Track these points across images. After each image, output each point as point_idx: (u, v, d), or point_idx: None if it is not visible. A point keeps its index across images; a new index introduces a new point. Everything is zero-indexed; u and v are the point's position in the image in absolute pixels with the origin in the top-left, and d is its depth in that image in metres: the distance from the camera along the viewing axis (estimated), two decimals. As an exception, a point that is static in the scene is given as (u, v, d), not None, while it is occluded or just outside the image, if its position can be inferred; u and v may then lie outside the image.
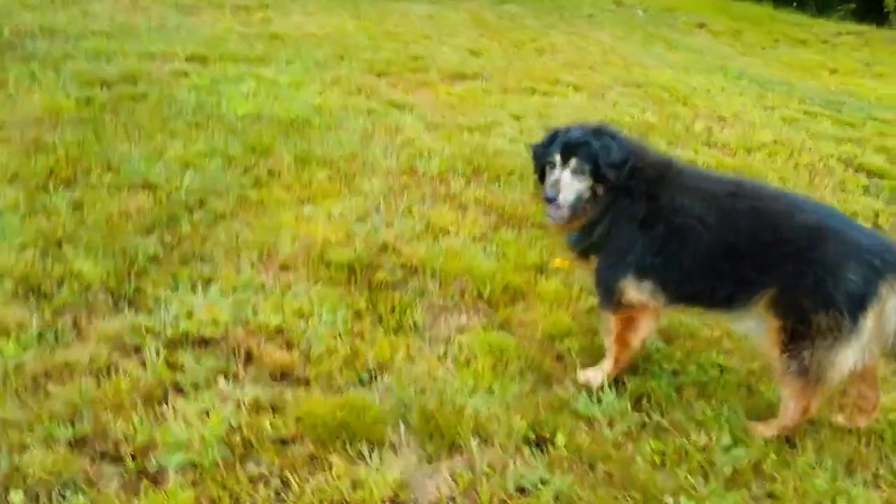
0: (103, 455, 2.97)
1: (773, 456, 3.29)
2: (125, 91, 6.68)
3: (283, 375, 3.52)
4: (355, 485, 2.94)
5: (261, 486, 2.90)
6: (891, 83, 13.86)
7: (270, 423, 3.17)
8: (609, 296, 3.57)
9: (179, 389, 3.30)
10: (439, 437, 3.22)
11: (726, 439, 3.34)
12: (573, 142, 3.48)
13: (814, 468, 3.28)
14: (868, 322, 3.15)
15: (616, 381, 3.68)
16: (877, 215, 6.37)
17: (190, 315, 3.75)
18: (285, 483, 2.92)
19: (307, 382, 3.49)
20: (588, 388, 3.62)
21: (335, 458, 3.04)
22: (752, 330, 3.49)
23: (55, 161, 5.10)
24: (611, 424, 3.42)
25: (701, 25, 17.29)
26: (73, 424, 3.04)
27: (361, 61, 8.92)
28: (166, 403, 3.21)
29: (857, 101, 11.18)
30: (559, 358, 3.92)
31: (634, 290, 3.50)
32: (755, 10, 20.63)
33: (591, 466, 3.16)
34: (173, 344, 3.58)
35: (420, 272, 4.50)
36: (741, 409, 3.59)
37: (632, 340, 3.60)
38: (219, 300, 3.91)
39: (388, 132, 6.66)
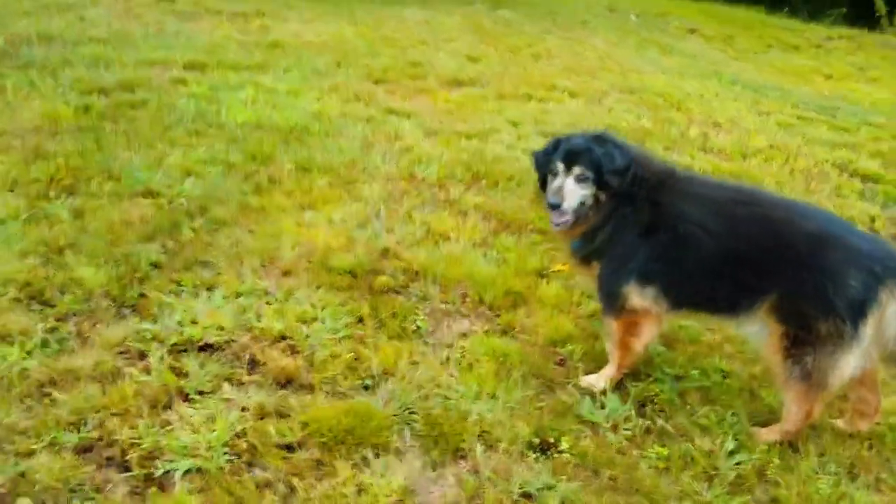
0: (110, 461, 2.97)
1: (776, 461, 3.33)
2: (124, 98, 6.68)
3: (287, 381, 3.52)
4: (361, 490, 2.96)
5: (267, 492, 2.91)
6: (884, 87, 13.93)
7: (276, 429, 3.18)
8: (612, 302, 3.60)
9: (185, 395, 3.31)
10: (444, 443, 3.24)
11: (730, 444, 3.36)
12: (576, 149, 3.52)
13: (816, 473, 3.31)
14: (869, 328, 3.19)
15: (619, 386, 3.70)
16: (873, 220, 6.41)
17: (194, 321, 3.76)
18: (291, 489, 2.94)
19: (311, 388, 3.50)
20: (591, 394, 3.64)
21: (340, 464, 3.05)
22: (754, 335, 3.52)
23: (55, 169, 5.09)
24: (615, 429, 3.45)
25: (693, 30, 17.34)
26: (79, 431, 3.05)
27: (359, 68, 8.93)
28: (172, 409, 3.22)
29: (851, 106, 11.24)
30: (561, 363, 3.95)
31: (637, 296, 3.53)
32: (747, 15, 20.70)
33: (596, 472, 3.19)
34: (177, 350, 3.58)
35: (421, 277, 4.52)
36: (744, 413, 3.61)
37: (635, 345, 3.62)
38: (222, 306, 3.92)
39: (387, 139, 6.67)
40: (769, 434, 3.48)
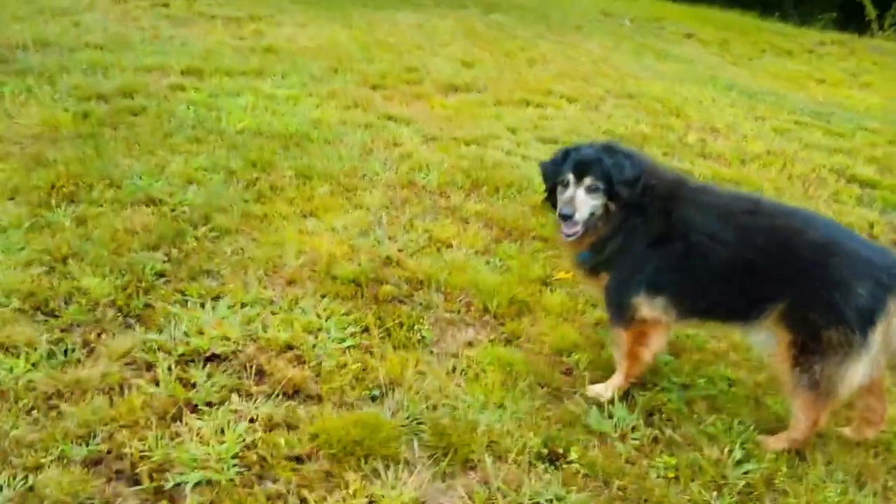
0: (119, 474, 2.95)
1: (784, 469, 3.33)
2: (123, 105, 6.65)
3: (294, 391, 3.51)
4: (372, 502, 2.95)
5: (278, 505, 2.90)
6: (877, 93, 14.01)
7: (285, 441, 3.17)
8: (621, 312, 3.60)
9: (193, 407, 3.29)
10: (453, 454, 3.23)
11: (738, 453, 3.37)
12: (586, 159, 3.53)
13: (824, 481, 3.32)
14: (877, 336, 3.21)
15: (626, 396, 3.71)
16: (871, 226, 6.45)
17: (200, 331, 3.74)
18: (302, 501, 2.92)
19: (319, 398, 3.49)
20: (599, 403, 3.64)
21: (351, 476, 3.04)
22: (761, 343, 3.54)
23: (56, 176, 5.06)
24: (623, 439, 3.45)
25: (688, 35, 17.40)
26: (87, 444, 3.03)
27: (356, 73, 8.92)
28: (181, 421, 3.20)
29: (845, 112, 11.30)
30: (567, 372, 3.95)
31: (647, 307, 3.53)
32: (741, 19, 20.79)
33: (606, 482, 3.19)
34: (185, 361, 3.56)
35: (425, 286, 4.51)
36: (751, 422, 3.62)
37: (643, 355, 3.63)
38: (228, 316, 3.90)
39: (386, 146, 6.67)
40: (776, 442, 3.49)
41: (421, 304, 4.35)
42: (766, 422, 3.68)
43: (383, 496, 2.97)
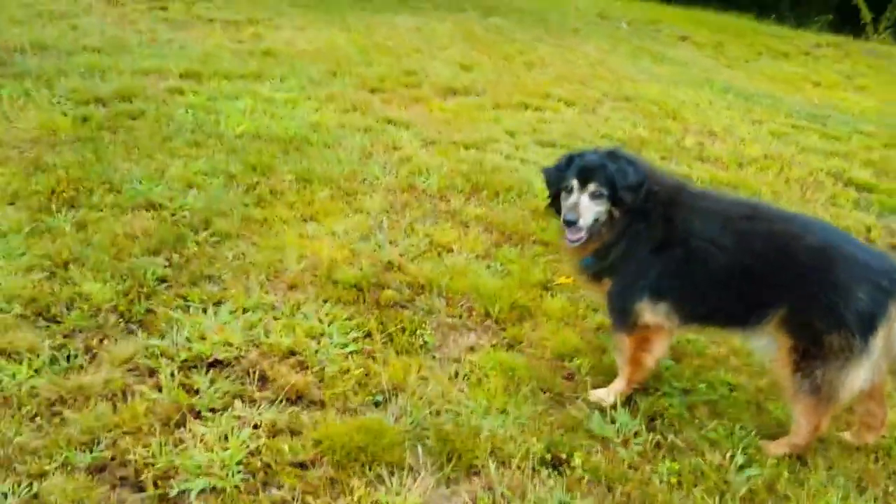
0: (124, 481, 2.95)
1: (786, 475, 3.34)
2: (122, 109, 6.64)
3: (297, 397, 3.51)
4: (377, 508, 2.96)
5: (283, 512, 2.90)
6: (872, 96, 14.04)
7: (289, 447, 3.17)
8: (624, 318, 3.61)
9: (197, 413, 3.29)
10: (457, 460, 3.24)
11: (740, 458, 3.38)
12: (590, 165, 3.53)
13: (825, 486, 3.33)
14: (878, 341, 3.23)
15: (628, 401, 3.72)
16: (869, 230, 6.47)
17: (202, 337, 3.74)
18: (307, 507, 2.93)
19: (322, 404, 3.49)
20: (601, 408, 3.65)
21: (355, 482, 3.04)
22: (762, 348, 3.55)
23: (56, 181, 5.06)
24: (626, 444, 3.46)
25: (684, 38, 17.41)
26: (91, 450, 3.03)
27: (354, 76, 8.92)
28: (184, 427, 3.20)
29: (841, 115, 11.32)
30: (569, 377, 3.96)
31: (650, 312, 3.55)
32: (737, 22, 20.82)
33: (610, 488, 3.19)
34: (187, 367, 3.56)
35: (427, 290, 4.52)
36: (752, 427, 3.63)
37: (646, 360, 3.64)
38: (230, 321, 3.90)
39: (385, 149, 6.67)
40: (778, 447, 3.50)
41: (422, 308, 4.36)
42: (767, 427, 3.70)
43: (388, 502, 2.97)
